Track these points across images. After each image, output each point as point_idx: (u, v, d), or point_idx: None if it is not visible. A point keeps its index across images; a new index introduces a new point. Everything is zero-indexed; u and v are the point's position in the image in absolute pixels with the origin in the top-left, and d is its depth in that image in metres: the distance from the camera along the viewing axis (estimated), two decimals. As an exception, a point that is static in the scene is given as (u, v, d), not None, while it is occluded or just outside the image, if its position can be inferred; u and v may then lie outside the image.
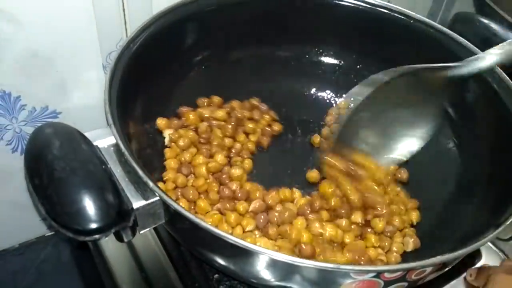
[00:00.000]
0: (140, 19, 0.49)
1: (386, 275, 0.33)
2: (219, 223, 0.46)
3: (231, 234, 0.34)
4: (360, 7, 0.57)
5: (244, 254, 0.35)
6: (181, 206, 0.34)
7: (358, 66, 0.62)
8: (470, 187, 0.49)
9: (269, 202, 0.48)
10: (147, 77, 0.48)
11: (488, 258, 0.53)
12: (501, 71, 0.50)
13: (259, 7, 0.56)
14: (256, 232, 0.46)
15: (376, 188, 0.50)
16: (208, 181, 0.49)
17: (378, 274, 0.33)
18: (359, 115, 0.48)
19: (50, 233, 0.69)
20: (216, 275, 0.47)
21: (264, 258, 0.34)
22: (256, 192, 0.49)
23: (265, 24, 0.57)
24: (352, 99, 0.49)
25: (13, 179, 0.59)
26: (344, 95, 0.62)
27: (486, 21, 0.57)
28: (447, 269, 0.39)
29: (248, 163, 0.53)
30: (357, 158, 0.50)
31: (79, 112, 0.57)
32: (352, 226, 0.48)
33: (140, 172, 0.35)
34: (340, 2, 0.57)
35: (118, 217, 0.34)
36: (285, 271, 0.35)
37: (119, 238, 0.36)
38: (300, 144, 0.59)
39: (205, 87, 0.57)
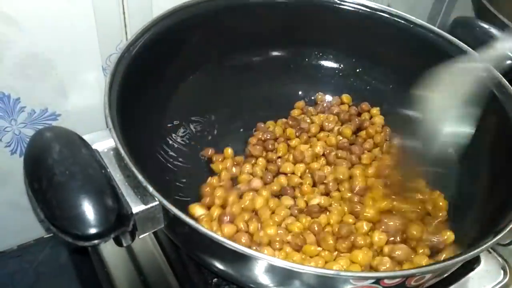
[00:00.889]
0: (140, 22, 0.49)
1: (386, 281, 0.33)
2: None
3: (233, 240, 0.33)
4: (360, 11, 0.58)
5: (243, 260, 0.35)
6: (180, 211, 0.34)
7: (357, 70, 0.62)
8: (470, 193, 0.49)
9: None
10: (147, 80, 0.48)
11: (487, 263, 0.53)
12: (501, 76, 0.50)
13: (259, 11, 0.57)
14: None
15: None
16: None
17: (378, 280, 0.33)
18: None
19: (48, 235, 0.69)
20: (215, 279, 0.47)
21: (263, 263, 0.34)
22: None
23: (265, 27, 0.57)
24: None
25: (11, 181, 0.59)
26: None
27: (485, 25, 0.57)
28: (446, 275, 0.39)
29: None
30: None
31: (79, 114, 0.57)
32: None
33: (140, 177, 0.35)
34: (340, 6, 0.58)
35: (118, 222, 0.33)
36: (284, 276, 0.35)
37: (118, 242, 0.36)
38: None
39: (205, 90, 0.57)
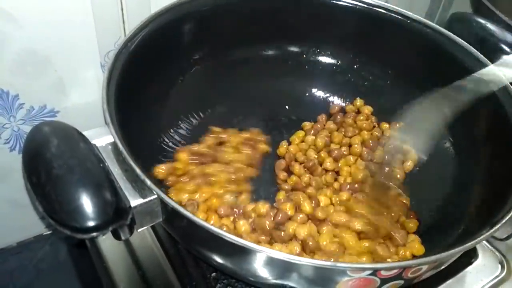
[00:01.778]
0: (138, 18, 0.49)
1: (383, 272, 0.34)
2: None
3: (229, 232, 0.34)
4: (358, 6, 0.57)
5: (241, 252, 0.35)
6: (178, 204, 0.34)
7: (355, 66, 0.62)
8: (467, 187, 0.49)
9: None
10: (145, 76, 0.49)
11: (485, 258, 0.53)
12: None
13: (256, 7, 0.56)
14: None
15: None
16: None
17: (375, 272, 0.33)
18: None
19: (48, 232, 0.69)
20: (213, 274, 0.47)
21: (261, 256, 0.34)
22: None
23: (262, 23, 0.57)
24: None
25: (11, 178, 0.59)
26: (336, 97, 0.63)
27: (482, 21, 0.58)
28: (443, 267, 0.40)
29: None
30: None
31: (77, 110, 0.57)
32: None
33: (138, 171, 0.35)
34: (337, 2, 0.57)
35: (116, 215, 0.34)
36: (282, 269, 0.35)
37: (116, 236, 0.36)
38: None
39: (203, 85, 0.57)
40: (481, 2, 0.64)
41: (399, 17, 0.57)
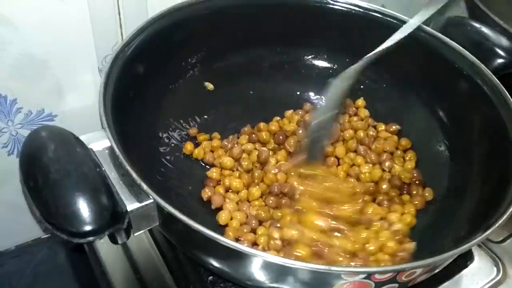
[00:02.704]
0: (135, 23, 0.50)
1: (377, 276, 0.34)
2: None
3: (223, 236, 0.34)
4: (353, 11, 0.58)
5: (237, 256, 0.35)
6: (174, 209, 0.34)
7: (350, 69, 0.62)
8: (461, 190, 0.50)
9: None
10: (141, 80, 0.49)
11: (480, 261, 0.53)
12: (491, 74, 0.51)
13: (253, 12, 0.57)
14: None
15: None
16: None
17: (369, 275, 0.34)
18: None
19: (46, 236, 0.69)
20: (210, 277, 0.47)
21: (257, 260, 0.34)
22: None
23: (259, 28, 0.57)
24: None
25: (8, 181, 0.59)
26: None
27: (477, 24, 0.58)
28: (437, 270, 0.40)
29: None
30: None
31: (75, 115, 0.57)
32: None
33: (134, 175, 0.36)
34: (333, 7, 0.58)
35: (112, 219, 0.34)
36: (277, 272, 0.36)
37: (113, 240, 0.37)
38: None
39: (200, 90, 0.58)
40: (477, 6, 0.65)
41: (395, 21, 0.57)
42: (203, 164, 0.55)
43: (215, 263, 0.39)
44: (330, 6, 0.58)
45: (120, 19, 0.53)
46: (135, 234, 0.37)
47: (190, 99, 0.57)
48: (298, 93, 0.63)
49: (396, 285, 0.36)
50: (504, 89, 0.49)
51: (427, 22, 0.53)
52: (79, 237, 0.32)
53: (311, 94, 0.64)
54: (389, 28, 0.57)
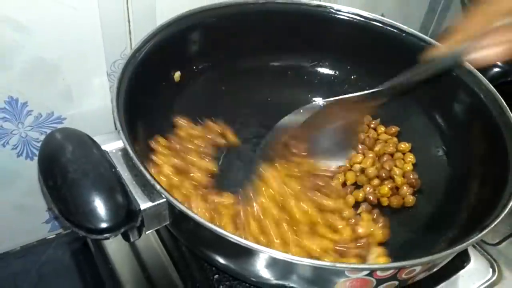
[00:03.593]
0: (144, 30, 0.51)
1: (378, 273, 0.35)
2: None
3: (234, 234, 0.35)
4: (355, 20, 0.60)
5: (244, 253, 0.37)
6: (186, 207, 0.36)
7: (352, 77, 0.64)
8: (458, 194, 0.51)
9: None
10: (151, 85, 0.50)
11: (477, 262, 0.55)
12: (488, 82, 0.52)
13: (258, 20, 0.58)
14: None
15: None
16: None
17: (371, 272, 0.35)
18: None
19: (51, 236, 0.70)
20: (216, 276, 0.48)
21: (264, 256, 0.36)
22: None
23: (263, 36, 0.59)
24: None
25: (16, 183, 0.60)
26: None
27: None
28: (435, 269, 0.41)
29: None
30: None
31: (83, 118, 0.58)
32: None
33: (148, 176, 0.37)
34: (336, 16, 0.60)
35: (127, 217, 0.35)
36: (283, 269, 0.37)
37: (126, 238, 0.38)
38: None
39: (207, 94, 0.59)
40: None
41: (395, 31, 0.59)
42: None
43: (223, 260, 0.40)
44: (333, 15, 0.60)
45: (129, 25, 0.55)
46: (147, 232, 0.39)
47: (198, 103, 0.58)
48: (300, 98, 0.65)
49: (396, 282, 0.38)
50: (500, 97, 0.51)
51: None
52: (96, 233, 0.34)
53: (314, 100, 0.65)
54: (388, 37, 0.59)
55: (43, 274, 0.68)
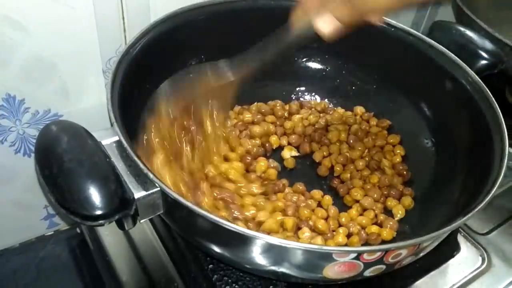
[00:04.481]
0: (138, 27, 0.52)
1: (365, 256, 0.36)
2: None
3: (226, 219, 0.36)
4: (345, 16, 0.61)
5: (238, 239, 0.38)
6: (179, 195, 0.37)
7: (343, 72, 0.65)
8: (446, 183, 0.52)
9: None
10: (145, 79, 0.51)
11: (467, 251, 0.56)
12: (475, 74, 0.54)
13: (251, 16, 0.59)
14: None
15: None
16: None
17: (358, 255, 0.36)
18: None
19: (49, 233, 0.71)
20: (210, 265, 0.49)
21: (256, 241, 0.37)
22: None
23: (255, 31, 0.59)
24: None
25: (15, 179, 0.61)
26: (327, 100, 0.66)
27: (462, 28, 0.60)
28: (422, 254, 0.42)
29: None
30: None
31: (80, 115, 0.59)
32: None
33: (141, 165, 0.38)
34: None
35: (121, 205, 0.37)
36: (275, 254, 0.38)
37: (121, 226, 0.39)
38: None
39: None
40: (463, 12, 0.68)
41: (385, 26, 0.60)
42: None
43: (216, 248, 0.41)
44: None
45: (124, 23, 0.55)
46: (141, 221, 0.40)
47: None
48: (292, 93, 0.66)
49: (384, 266, 0.39)
50: (486, 88, 0.52)
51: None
52: (91, 220, 0.35)
53: (305, 94, 0.67)
54: (379, 32, 0.60)
55: (42, 269, 0.69)
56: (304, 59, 0.65)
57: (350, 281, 0.41)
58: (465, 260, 0.55)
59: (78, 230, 0.69)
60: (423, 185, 0.55)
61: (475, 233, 0.58)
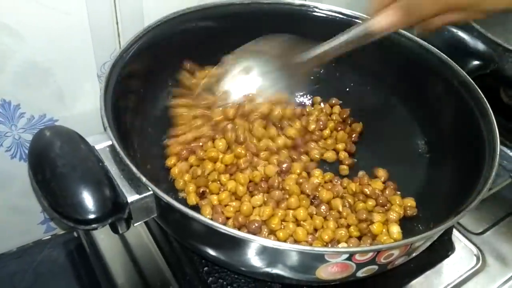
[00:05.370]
0: (132, 32, 0.52)
1: (357, 257, 0.37)
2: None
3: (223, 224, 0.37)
4: (337, 18, 0.61)
5: (232, 242, 0.38)
6: (172, 198, 0.37)
7: (337, 74, 0.65)
8: (437, 183, 0.53)
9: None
10: (138, 83, 0.52)
11: (462, 251, 0.56)
12: (466, 75, 0.54)
13: (242, 19, 0.60)
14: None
15: None
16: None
17: (350, 256, 0.36)
18: None
19: (47, 237, 0.71)
20: (205, 268, 0.49)
21: (250, 244, 0.37)
22: None
23: (247, 34, 0.60)
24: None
25: (11, 184, 0.61)
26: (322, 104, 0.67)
27: (454, 29, 0.61)
28: (414, 254, 0.43)
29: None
30: None
31: (75, 120, 0.59)
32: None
33: (134, 169, 0.38)
34: (317, 14, 0.61)
35: (114, 209, 0.37)
36: (269, 256, 0.38)
37: (114, 230, 0.39)
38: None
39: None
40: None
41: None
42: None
43: (210, 251, 0.42)
44: (316, 13, 0.61)
45: (118, 28, 0.56)
46: (135, 225, 0.40)
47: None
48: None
49: (376, 267, 0.39)
50: (478, 89, 0.53)
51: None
52: (84, 224, 0.35)
53: (300, 96, 0.67)
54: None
55: (40, 274, 0.69)
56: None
57: (344, 282, 0.41)
58: (460, 259, 0.55)
59: (75, 234, 0.69)
60: (416, 183, 0.55)
61: (469, 233, 0.58)
